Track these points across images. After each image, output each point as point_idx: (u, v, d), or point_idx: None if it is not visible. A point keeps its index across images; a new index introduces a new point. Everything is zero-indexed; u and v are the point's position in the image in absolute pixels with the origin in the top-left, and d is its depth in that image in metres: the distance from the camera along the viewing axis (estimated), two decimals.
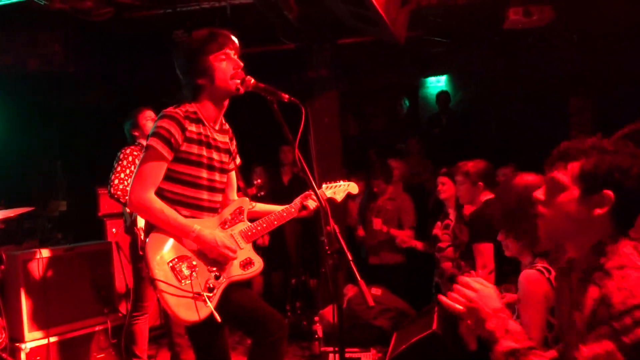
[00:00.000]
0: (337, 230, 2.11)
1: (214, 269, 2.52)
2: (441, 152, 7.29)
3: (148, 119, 4.22)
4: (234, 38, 2.62)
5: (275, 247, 6.23)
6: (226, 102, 2.65)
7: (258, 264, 2.68)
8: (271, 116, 2.44)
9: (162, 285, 2.37)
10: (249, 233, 2.69)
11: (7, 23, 5.24)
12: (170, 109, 2.52)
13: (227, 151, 2.74)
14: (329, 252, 2.10)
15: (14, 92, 5.98)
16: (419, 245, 5.12)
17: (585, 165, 1.61)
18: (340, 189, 3.07)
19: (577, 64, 6.28)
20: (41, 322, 3.98)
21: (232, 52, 2.59)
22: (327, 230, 2.10)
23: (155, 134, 2.47)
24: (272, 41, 6.08)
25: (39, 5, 4.57)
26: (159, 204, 2.46)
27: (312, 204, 2.81)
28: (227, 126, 2.77)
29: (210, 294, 2.46)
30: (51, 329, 4.02)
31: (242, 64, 2.59)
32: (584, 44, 5.99)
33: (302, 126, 2.37)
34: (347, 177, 5.57)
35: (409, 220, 5.49)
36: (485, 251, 3.76)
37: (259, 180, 5.13)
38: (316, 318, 4.79)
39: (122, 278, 4.60)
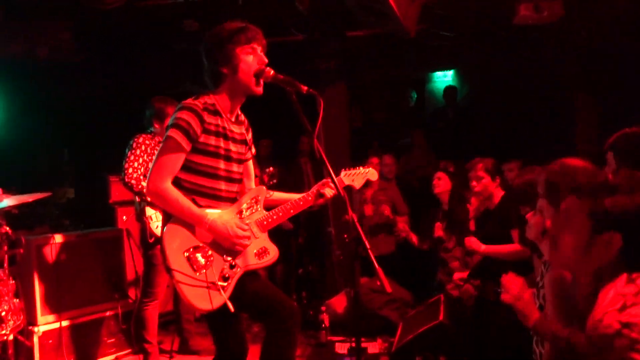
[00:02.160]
0: (355, 219, 2.16)
1: (229, 258, 2.57)
2: (446, 145, 7.34)
3: None
4: (262, 35, 2.64)
5: (278, 237, 6.27)
6: (243, 99, 2.69)
7: (273, 252, 2.72)
8: (283, 107, 2.47)
9: (178, 275, 2.42)
10: (265, 222, 2.73)
11: (18, 11, 5.26)
12: (189, 101, 2.56)
13: (244, 142, 2.78)
14: (347, 240, 2.15)
15: (24, 80, 6.02)
16: (414, 239, 5.18)
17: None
18: (359, 176, 3.05)
19: (584, 60, 6.30)
20: (53, 306, 4.04)
21: (259, 48, 2.61)
22: (345, 218, 2.15)
23: (174, 125, 2.50)
24: (282, 32, 6.11)
25: None
26: (175, 193, 2.50)
27: (329, 192, 2.82)
28: (242, 117, 2.81)
29: (225, 284, 2.52)
30: (63, 313, 4.07)
31: (267, 60, 2.62)
32: (591, 41, 6.02)
33: (320, 117, 2.42)
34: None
35: (402, 207, 5.69)
36: (516, 238, 3.84)
37: (270, 168, 5.15)
38: (323, 308, 4.85)
39: (132, 265, 4.64)
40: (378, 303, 4.77)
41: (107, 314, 4.31)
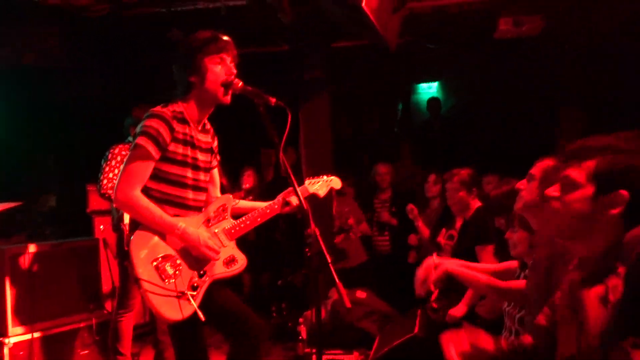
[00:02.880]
0: (318, 233, 2.15)
1: (198, 267, 2.56)
2: (432, 157, 7.35)
3: None
4: (233, 45, 2.66)
5: (265, 247, 6.27)
6: (212, 108, 2.69)
7: (241, 261, 2.72)
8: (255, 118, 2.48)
9: (146, 285, 2.40)
10: (232, 231, 2.73)
11: (4, 16, 5.25)
12: (158, 109, 2.55)
13: (210, 150, 2.78)
14: (309, 254, 2.14)
15: (10, 85, 5.99)
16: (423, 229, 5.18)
17: (601, 164, 1.61)
18: (323, 184, 3.07)
19: (567, 73, 6.34)
20: (26, 317, 3.99)
21: (228, 59, 2.62)
22: (307, 232, 2.14)
23: (143, 133, 2.49)
24: (267, 42, 6.12)
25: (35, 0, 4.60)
26: (144, 201, 2.48)
27: (294, 200, 2.82)
28: (208, 126, 2.80)
29: (194, 293, 2.51)
30: (35, 324, 4.02)
31: (235, 72, 2.62)
32: (574, 54, 6.06)
33: (287, 129, 2.42)
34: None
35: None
36: (491, 252, 3.84)
37: (247, 185, 5.14)
38: (300, 319, 4.82)
39: (109, 275, 4.61)
40: (356, 315, 4.74)
41: (81, 325, 4.27)
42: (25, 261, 4.03)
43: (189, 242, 2.52)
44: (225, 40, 2.63)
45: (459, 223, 4.67)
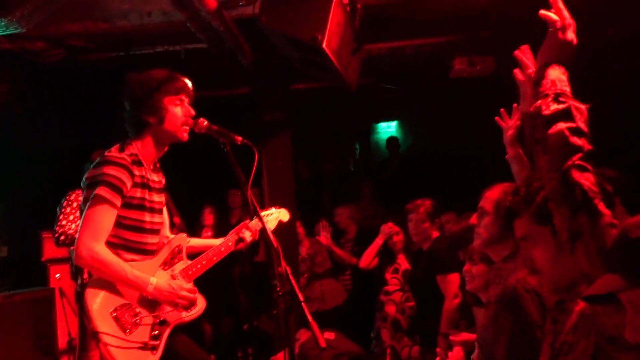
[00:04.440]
0: (289, 271, 2.11)
1: (158, 314, 2.46)
2: (392, 196, 7.42)
3: None
4: (191, 86, 2.61)
5: (223, 291, 6.13)
6: (167, 147, 2.61)
7: (200, 304, 2.64)
8: (222, 158, 2.45)
9: (106, 338, 2.28)
10: (190, 272, 2.65)
11: None
12: (114, 154, 2.43)
13: (162, 190, 2.69)
14: (280, 293, 2.09)
15: None
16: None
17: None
18: (272, 217, 3.05)
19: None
20: None
21: (186, 100, 2.57)
22: (278, 270, 2.10)
23: (104, 183, 2.35)
24: (226, 85, 6.14)
25: None
26: (111, 257, 2.35)
27: (248, 235, 2.78)
28: (158, 164, 2.71)
29: (157, 342, 2.41)
30: None
31: (194, 113, 2.57)
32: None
33: (254, 168, 2.40)
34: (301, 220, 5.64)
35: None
36: (454, 280, 3.85)
37: (208, 222, 5.04)
38: None
39: (65, 327, 4.40)
40: (325, 358, 4.65)
41: None
42: None
43: (163, 296, 2.42)
44: (184, 81, 2.59)
45: (399, 257, 4.73)
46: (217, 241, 2.80)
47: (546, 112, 1.54)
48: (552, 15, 1.65)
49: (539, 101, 1.57)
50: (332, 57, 4.10)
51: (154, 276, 2.48)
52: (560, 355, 1.67)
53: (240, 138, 2.47)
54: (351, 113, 7.70)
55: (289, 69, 5.30)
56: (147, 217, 2.53)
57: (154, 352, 2.38)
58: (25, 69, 5.38)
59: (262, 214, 2.96)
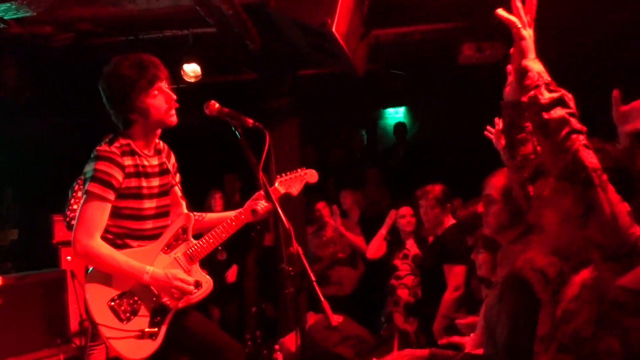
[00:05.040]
0: (300, 252, 2.14)
1: (158, 299, 2.47)
2: (398, 182, 7.44)
3: None
4: (161, 65, 2.52)
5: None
6: (159, 131, 2.59)
7: (206, 284, 2.62)
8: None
9: (105, 330, 2.33)
10: (194, 253, 2.61)
11: None
12: (104, 148, 2.43)
13: (166, 171, 2.66)
14: (292, 273, 2.12)
15: None
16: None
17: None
18: (296, 181, 2.87)
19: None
20: None
21: (164, 85, 2.50)
22: (289, 251, 2.13)
23: (94, 179, 2.37)
24: (234, 71, 6.15)
25: None
26: (106, 249, 2.37)
27: (261, 206, 2.69)
28: (161, 144, 2.69)
29: (155, 329, 2.43)
30: None
31: (175, 96, 2.53)
32: None
33: (265, 150, 2.41)
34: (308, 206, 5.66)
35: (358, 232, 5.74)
36: (460, 273, 3.86)
37: (218, 209, 5.06)
38: (276, 346, 4.75)
39: (77, 307, 4.46)
40: (333, 341, 4.68)
41: (51, 359, 4.12)
42: None
43: (160, 284, 2.43)
44: (154, 65, 2.47)
45: (408, 242, 4.74)
46: (231, 213, 2.73)
47: (543, 101, 1.63)
48: (510, 17, 1.77)
49: (532, 91, 1.65)
50: (341, 41, 4.11)
51: (155, 262, 2.49)
52: (562, 323, 1.75)
53: (251, 120, 2.47)
54: (358, 99, 7.69)
55: (296, 55, 5.30)
56: (147, 204, 2.53)
57: (154, 339, 2.40)
58: (34, 54, 5.40)
59: (285, 178, 2.87)
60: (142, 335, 2.38)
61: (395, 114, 8.76)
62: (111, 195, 2.40)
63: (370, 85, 6.79)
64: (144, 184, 2.52)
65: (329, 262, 5.63)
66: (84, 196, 2.39)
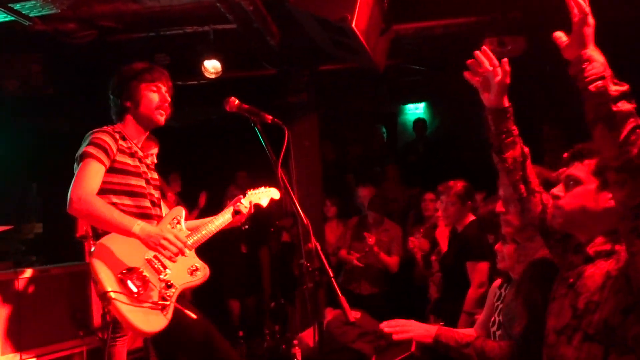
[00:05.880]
0: (319, 248, 2.15)
1: (165, 277, 2.53)
2: (418, 178, 7.41)
3: (150, 156, 4.25)
4: (169, 77, 2.82)
5: (250, 270, 6.24)
6: (147, 132, 2.83)
7: (203, 269, 2.72)
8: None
9: (115, 296, 2.33)
10: (192, 240, 2.74)
11: None
12: (98, 129, 2.66)
13: (153, 168, 2.90)
14: (310, 269, 2.13)
15: None
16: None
17: (602, 161, 1.77)
18: (263, 195, 3.20)
19: (549, 93, 6.47)
20: (13, 344, 3.89)
21: (163, 88, 2.78)
22: (308, 247, 2.14)
23: (90, 143, 2.57)
24: (254, 66, 6.17)
25: (21, 26, 4.59)
26: (99, 201, 2.47)
27: (244, 208, 2.97)
28: (152, 154, 3.01)
29: (167, 302, 2.47)
30: (24, 352, 3.92)
31: (169, 100, 2.78)
32: (556, 74, 6.19)
33: (284, 146, 2.42)
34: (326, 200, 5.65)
35: (397, 250, 5.61)
36: (483, 269, 3.83)
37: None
38: (295, 341, 4.77)
39: (100, 302, 4.52)
40: (351, 336, 4.69)
41: (72, 352, 4.18)
42: (12, 287, 3.95)
43: (148, 238, 2.44)
44: (162, 72, 2.81)
45: (442, 240, 4.72)
46: (206, 220, 2.93)
47: (612, 92, 1.60)
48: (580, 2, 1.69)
49: (599, 82, 1.63)
50: (361, 37, 4.09)
51: None
52: (587, 314, 1.76)
53: (270, 117, 2.50)
54: (378, 95, 7.66)
55: (316, 50, 5.30)
56: (144, 184, 2.72)
57: (165, 311, 2.44)
58: (58, 51, 5.48)
59: (255, 191, 3.19)
60: (154, 306, 2.41)
61: (416, 110, 8.72)
62: (106, 160, 2.56)
63: (391, 80, 6.76)
64: (141, 167, 2.72)
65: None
66: (79, 159, 2.55)
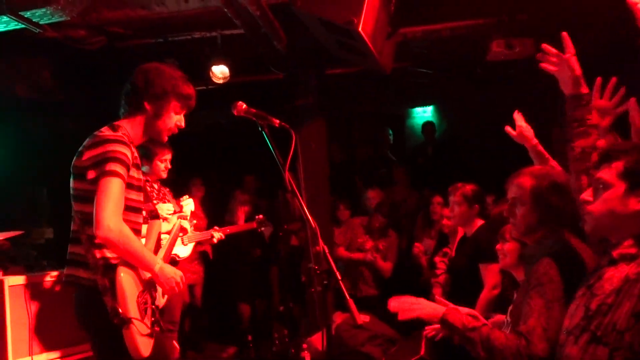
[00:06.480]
0: (327, 250, 2.15)
1: (157, 302, 2.54)
2: (426, 181, 7.40)
3: (164, 162, 4.27)
4: (194, 99, 2.67)
5: (259, 274, 6.25)
6: (146, 139, 2.65)
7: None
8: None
9: (136, 325, 2.27)
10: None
11: None
12: (110, 133, 2.42)
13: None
14: (318, 272, 2.13)
15: (1, 117, 5.98)
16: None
17: (629, 163, 1.77)
18: (188, 204, 3.39)
19: (558, 95, 6.43)
20: (27, 348, 3.93)
21: (185, 111, 2.65)
22: (316, 250, 2.14)
23: (116, 159, 2.33)
24: (261, 71, 6.20)
25: (31, 33, 4.63)
26: (130, 234, 2.34)
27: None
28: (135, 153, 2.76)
29: (157, 327, 2.47)
30: (37, 356, 3.96)
31: (183, 126, 2.65)
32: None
33: (292, 150, 2.42)
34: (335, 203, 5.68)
35: (392, 257, 5.71)
36: (496, 271, 3.80)
37: (260, 216, 5.01)
38: (304, 345, 4.77)
39: None
40: (360, 340, 4.69)
41: (83, 356, 4.20)
42: (25, 291, 3.99)
43: (165, 278, 2.42)
44: (193, 91, 2.65)
45: (452, 242, 4.70)
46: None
47: None
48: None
49: None
50: (368, 40, 4.10)
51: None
52: (598, 315, 1.76)
53: (277, 121, 2.49)
54: (385, 98, 7.66)
55: (323, 53, 5.32)
56: (141, 198, 2.57)
57: (151, 338, 2.40)
58: (68, 57, 5.53)
59: (182, 199, 3.28)
60: (150, 334, 2.37)
61: (423, 113, 8.71)
62: (126, 177, 2.38)
63: (398, 83, 6.76)
64: (142, 177, 2.59)
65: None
66: (104, 175, 2.29)
